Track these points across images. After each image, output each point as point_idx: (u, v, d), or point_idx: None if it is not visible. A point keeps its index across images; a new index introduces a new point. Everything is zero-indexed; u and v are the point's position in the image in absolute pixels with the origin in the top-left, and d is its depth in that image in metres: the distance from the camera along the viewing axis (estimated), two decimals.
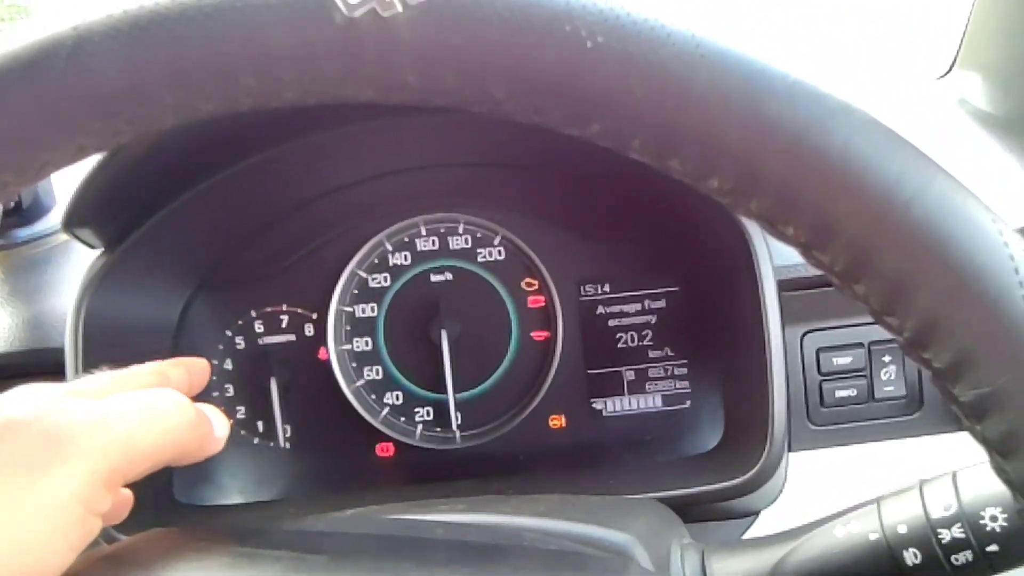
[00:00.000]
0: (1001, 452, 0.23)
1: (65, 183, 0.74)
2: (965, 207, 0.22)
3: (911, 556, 0.35)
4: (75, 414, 0.31)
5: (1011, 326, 0.21)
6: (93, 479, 0.30)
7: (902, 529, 0.35)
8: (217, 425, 0.37)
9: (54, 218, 0.74)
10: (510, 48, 0.22)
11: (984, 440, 0.23)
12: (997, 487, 0.34)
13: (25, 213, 0.73)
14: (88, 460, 0.30)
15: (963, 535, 0.34)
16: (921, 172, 0.22)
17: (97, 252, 0.60)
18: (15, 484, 0.28)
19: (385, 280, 0.70)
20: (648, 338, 0.69)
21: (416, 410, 0.70)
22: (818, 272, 0.57)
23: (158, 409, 0.33)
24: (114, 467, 0.30)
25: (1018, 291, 0.21)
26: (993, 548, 0.34)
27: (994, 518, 0.34)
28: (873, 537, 0.36)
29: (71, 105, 0.23)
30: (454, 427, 0.69)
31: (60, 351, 0.58)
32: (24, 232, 0.73)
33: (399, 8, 0.22)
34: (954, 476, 0.36)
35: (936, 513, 0.35)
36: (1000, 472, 0.23)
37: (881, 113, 0.23)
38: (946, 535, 0.34)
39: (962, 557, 0.34)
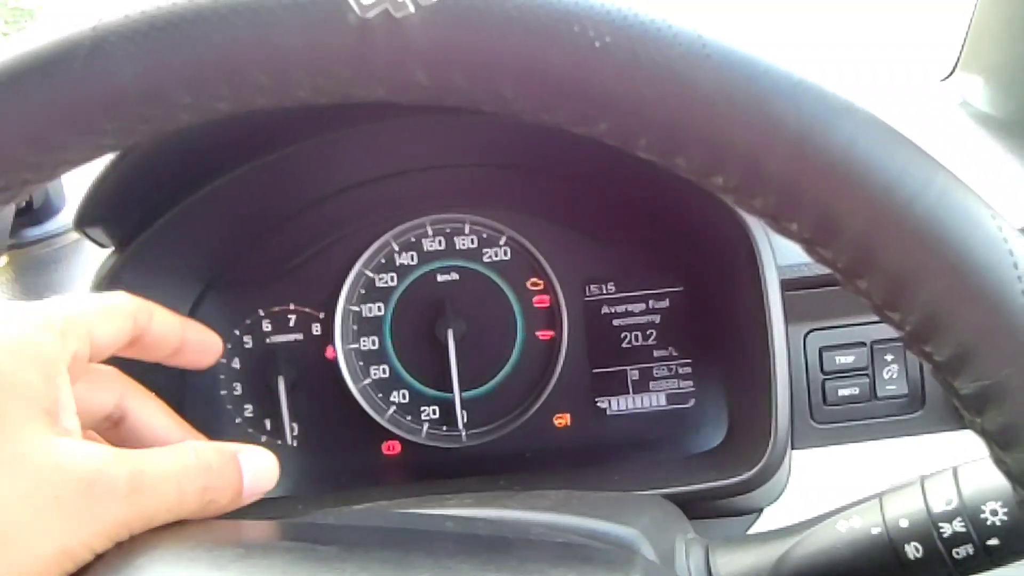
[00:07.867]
0: (1001, 444, 0.23)
1: (76, 183, 0.74)
2: (966, 204, 0.22)
3: (912, 550, 0.35)
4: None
5: (1010, 320, 0.21)
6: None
7: (904, 523, 0.36)
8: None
9: (64, 218, 0.75)
10: (519, 48, 0.22)
11: (984, 432, 0.23)
12: (998, 481, 0.34)
13: (36, 213, 0.74)
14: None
15: (964, 529, 0.34)
16: (923, 170, 0.22)
17: (107, 251, 0.61)
18: None
19: (392, 280, 0.70)
20: (652, 337, 0.69)
21: (422, 409, 0.71)
22: (821, 272, 0.58)
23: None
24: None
25: (1017, 286, 0.21)
26: (994, 542, 0.34)
27: (995, 512, 0.34)
28: (875, 531, 0.37)
29: (89, 104, 0.24)
30: (460, 426, 0.69)
31: None
32: (35, 231, 0.74)
33: (411, 9, 0.22)
34: (955, 471, 0.36)
35: (937, 507, 0.35)
36: (1000, 464, 0.24)
37: (884, 113, 0.23)
38: (947, 529, 0.35)
39: (963, 551, 0.35)
